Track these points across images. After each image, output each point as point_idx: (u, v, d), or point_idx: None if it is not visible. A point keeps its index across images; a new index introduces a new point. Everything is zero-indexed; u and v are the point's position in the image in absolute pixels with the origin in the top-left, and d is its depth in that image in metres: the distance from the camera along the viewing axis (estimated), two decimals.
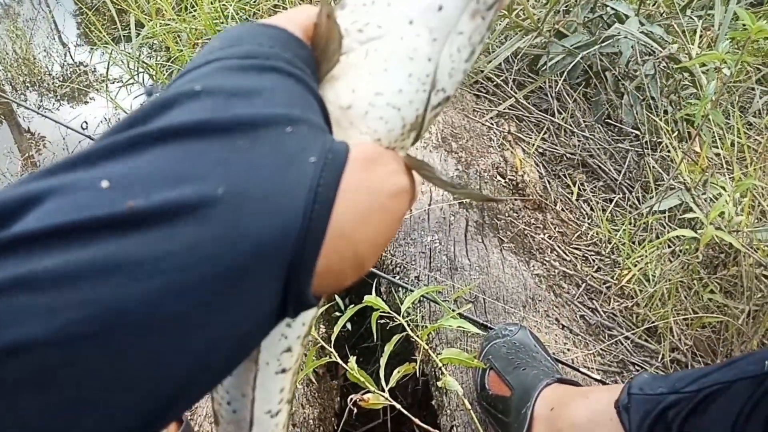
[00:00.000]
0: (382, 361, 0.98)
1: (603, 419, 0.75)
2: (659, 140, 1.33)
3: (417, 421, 1.01)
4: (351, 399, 0.96)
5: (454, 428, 1.07)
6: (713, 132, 1.27)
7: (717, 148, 1.26)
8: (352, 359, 0.97)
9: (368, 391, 0.95)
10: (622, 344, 1.19)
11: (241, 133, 0.28)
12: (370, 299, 0.98)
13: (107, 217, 0.23)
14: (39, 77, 2.55)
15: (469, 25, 0.36)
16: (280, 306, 0.29)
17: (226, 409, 0.45)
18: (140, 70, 2.05)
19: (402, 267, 1.24)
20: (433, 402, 1.16)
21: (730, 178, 1.18)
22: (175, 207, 0.25)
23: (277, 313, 0.29)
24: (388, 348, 0.96)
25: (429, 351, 0.98)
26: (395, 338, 0.98)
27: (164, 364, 0.24)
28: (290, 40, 0.34)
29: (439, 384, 1.02)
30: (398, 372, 1.01)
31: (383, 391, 0.95)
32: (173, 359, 0.25)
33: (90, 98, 2.49)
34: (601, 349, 1.17)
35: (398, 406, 0.96)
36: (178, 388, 0.26)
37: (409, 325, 1.03)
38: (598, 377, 1.08)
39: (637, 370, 1.16)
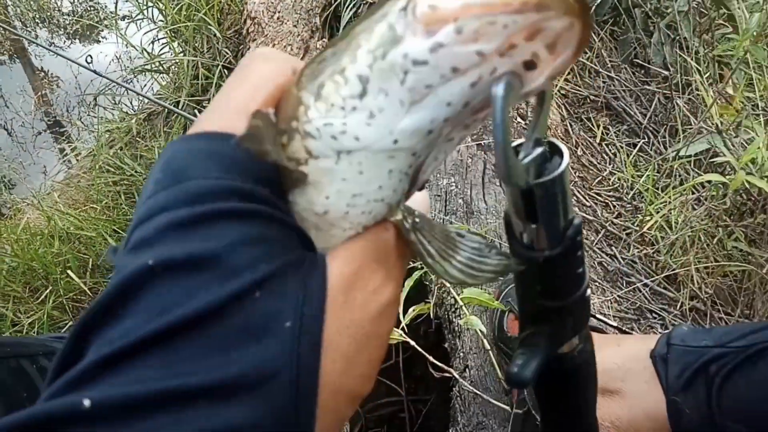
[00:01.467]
0: (401, 297, 0.97)
1: (636, 367, 0.72)
2: (688, 82, 1.27)
3: (431, 358, 1.00)
4: None
5: (467, 370, 1.06)
6: (746, 74, 1.20)
7: (751, 91, 1.20)
8: None
9: None
10: (640, 291, 1.16)
11: (209, 323, 0.27)
12: None
13: None
14: (49, 13, 2.50)
15: (459, 133, 0.32)
16: None
17: None
18: (149, 4, 1.99)
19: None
20: (446, 345, 1.15)
21: (765, 121, 1.13)
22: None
23: None
24: (408, 284, 0.95)
25: (450, 289, 0.96)
26: (415, 274, 0.97)
27: None
28: (240, 157, 0.31)
29: (460, 322, 1.01)
30: (413, 310, 0.99)
31: (398, 327, 0.94)
32: None
33: (101, 36, 2.44)
34: (618, 296, 1.15)
35: (413, 342, 0.95)
36: None
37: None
38: (615, 324, 1.06)
39: (654, 318, 1.14)
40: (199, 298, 0.27)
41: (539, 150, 0.35)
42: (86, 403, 0.24)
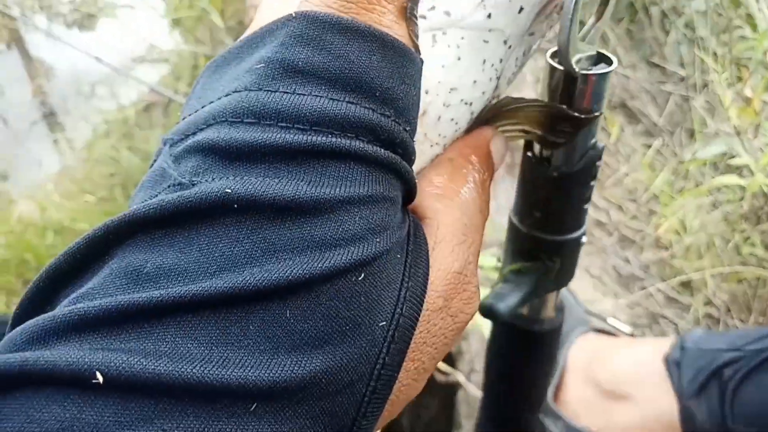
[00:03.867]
0: None
1: (648, 371, 0.70)
2: (705, 82, 1.24)
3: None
4: None
5: (473, 372, 1.03)
6: (765, 77, 1.18)
7: None
8: None
9: None
10: (654, 297, 1.13)
11: (287, 303, 0.20)
12: None
13: None
14: (47, 1, 2.46)
15: (539, 27, 0.31)
16: None
17: None
18: None
19: None
20: (452, 348, 1.11)
21: None
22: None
23: None
24: None
25: None
26: None
27: None
28: (388, 58, 0.23)
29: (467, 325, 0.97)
30: None
31: None
32: None
33: (101, 25, 2.40)
34: (631, 300, 1.12)
35: None
36: None
37: None
38: (628, 331, 1.03)
39: (667, 324, 1.11)
40: (284, 264, 0.20)
41: (591, 50, 0.35)
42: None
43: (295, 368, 0.19)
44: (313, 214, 0.21)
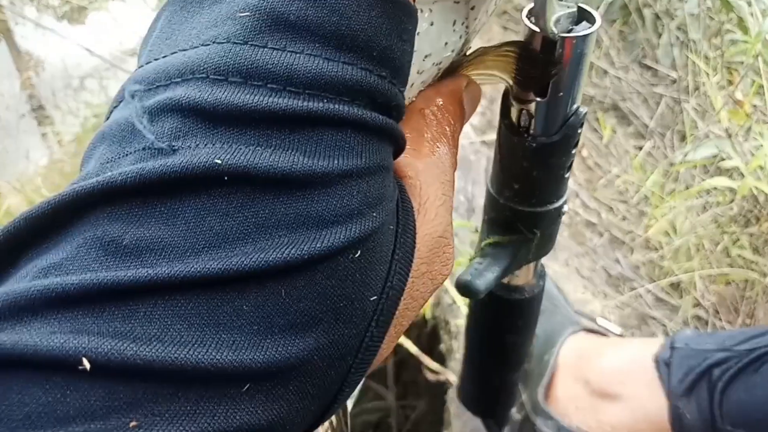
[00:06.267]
0: None
1: (637, 370, 0.70)
2: (697, 85, 1.25)
3: (427, 359, 0.96)
4: None
5: None
6: (755, 81, 1.18)
7: (761, 97, 1.18)
8: None
9: None
10: (643, 298, 1.13)
11: (279, 282, 0.19)
12: None
13: None
14: None
15: None
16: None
17: None
18: None
19: None
20: (441, 346, 1.11)
21: None
22: None
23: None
24: None
25: (448, 285, 0.93)
26: None
27: None
28: (387, 13, 0.22)
29: (458, 323, 0.97)
30: None
31: None
32: None
33: (91, 17, 2.38)
34: (620, 301, 1.12)
35: (410, 343, 0.91)
36: None
37: None
38: (618, 331, 1.03)
39: (656, 325, 1.12)
40: (280, 242, 0.19)
41: (572, 7, 0.33)
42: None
43: (290, 348, 0.19)
44: (309, 187, 0.19)
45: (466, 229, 1.12)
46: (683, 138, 1.22)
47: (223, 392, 0.18)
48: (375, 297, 0.21)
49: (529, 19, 0.33)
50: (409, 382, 1.32)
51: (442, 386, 1.04)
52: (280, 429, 0.19)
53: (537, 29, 0.33)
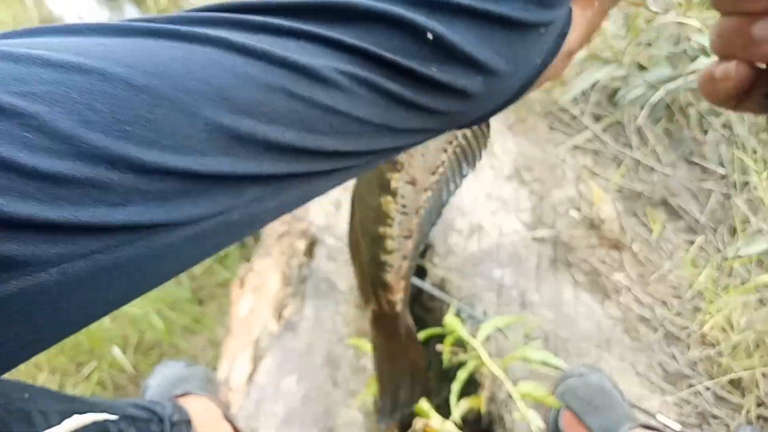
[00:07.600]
0: (455, 387, 0.95)
1: None
2: (746, 180, 1.26)
3: None
4: (415, 425, 0.93)
5: None
6: None
7: None
8: None
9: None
10: (702, 395, 1.11)
11: (516, 28, 0.32)
12: (450, 321, 0.95)
13: None
14: None
15: None
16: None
17: None
18: None
19: (468, 300, 1.20)
20: None
21: None
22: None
23: None
24: (462, 374, 0.93)
25: (504, 380, 0.94)
26: (470, 364, 0.95)
27: None
28: None
29: (514, 417, 0.97)
30: (465, 401, 0.97)
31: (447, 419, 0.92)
32: None
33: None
34: (679, 398, 1.10)
35: None
36: None
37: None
38: (678, 429, 1.01)
39: (719, 424, 1.09)
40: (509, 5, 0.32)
41: None
42: None
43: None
44: None
45: (520, 324, 1.13)
46: (734, 233, 1.23)
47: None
48: (540, 59, 0.35)
49: None
50: None
51: None
52: None
53: None
